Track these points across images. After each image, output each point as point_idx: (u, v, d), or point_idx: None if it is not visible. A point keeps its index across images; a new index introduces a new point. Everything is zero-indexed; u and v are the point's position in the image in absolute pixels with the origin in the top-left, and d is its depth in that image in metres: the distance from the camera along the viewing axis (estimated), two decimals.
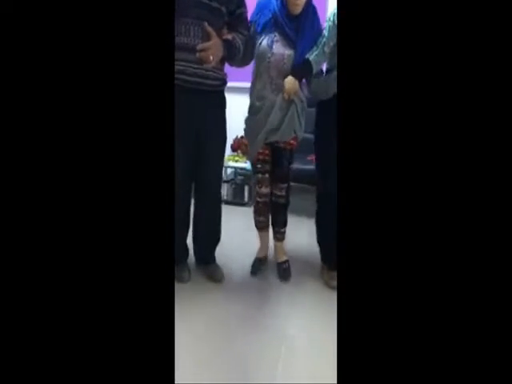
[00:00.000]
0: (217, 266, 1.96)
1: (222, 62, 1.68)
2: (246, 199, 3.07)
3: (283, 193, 1.90)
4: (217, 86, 1.68)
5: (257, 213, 2.00)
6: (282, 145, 1.83)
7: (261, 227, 2.06)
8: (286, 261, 2.06)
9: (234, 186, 3.05)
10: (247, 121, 1.89)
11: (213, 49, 1.51)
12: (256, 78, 1.78)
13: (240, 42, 1.65)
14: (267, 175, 1.89)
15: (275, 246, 2.09)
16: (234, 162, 2.95)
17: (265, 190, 1.91)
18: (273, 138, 1.80)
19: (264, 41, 1.69)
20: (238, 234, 2.43)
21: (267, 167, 1.88)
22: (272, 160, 1.86)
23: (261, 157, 1.86)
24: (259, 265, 2.06)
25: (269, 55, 1.68)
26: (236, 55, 1.65)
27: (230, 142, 2.83)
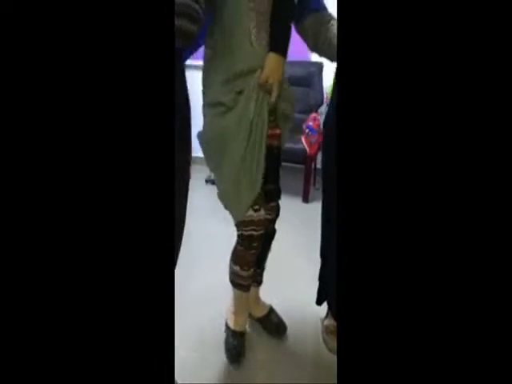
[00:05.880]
0: None
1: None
2: None
3: (274, 214, 1.21)
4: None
5: (240, 259, 1.15)
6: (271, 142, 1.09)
7: (244, 285, 1.22)
8: (271, 310, 1.41)
9: None
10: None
11: None
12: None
13: None
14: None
15: (251, 295, 1.33)
16: None
17: (262, 211, 1.10)
18: None
19: None
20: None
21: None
22: None
23: None
24: (238, 344, 1.26)
25: None
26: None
27: None
